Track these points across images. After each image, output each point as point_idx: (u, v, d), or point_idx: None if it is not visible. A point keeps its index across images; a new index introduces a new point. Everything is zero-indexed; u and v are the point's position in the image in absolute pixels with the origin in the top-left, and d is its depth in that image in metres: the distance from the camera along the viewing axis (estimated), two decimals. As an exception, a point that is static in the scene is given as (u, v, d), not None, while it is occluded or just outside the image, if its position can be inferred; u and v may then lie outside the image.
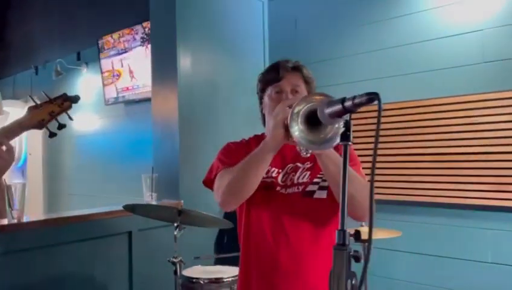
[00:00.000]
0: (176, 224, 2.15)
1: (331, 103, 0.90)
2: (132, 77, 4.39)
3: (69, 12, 4.15)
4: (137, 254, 2.64)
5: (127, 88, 4.46)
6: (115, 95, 4.61)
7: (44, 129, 1.47)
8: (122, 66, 4.38)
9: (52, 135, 1.46)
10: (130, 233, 2.63)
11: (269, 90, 1.55)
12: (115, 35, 4.33)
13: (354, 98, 0.80)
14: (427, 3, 2.83)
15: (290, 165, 1.52)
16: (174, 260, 2.17)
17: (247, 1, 3.52)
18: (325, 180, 1.48)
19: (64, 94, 1.51)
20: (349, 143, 0.84)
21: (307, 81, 1.57)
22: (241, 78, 3.35)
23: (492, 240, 2.54)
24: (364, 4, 3.11)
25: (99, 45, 4.61)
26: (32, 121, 1.45)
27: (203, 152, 3.00)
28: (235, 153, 1.55)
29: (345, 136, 0.84)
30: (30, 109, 1.46)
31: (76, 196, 5.18)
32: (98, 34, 4.61)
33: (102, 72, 4.65)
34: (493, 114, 2.52)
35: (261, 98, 1.63)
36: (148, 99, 4.06)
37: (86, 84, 5.03)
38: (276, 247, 1.46)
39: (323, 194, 1.48)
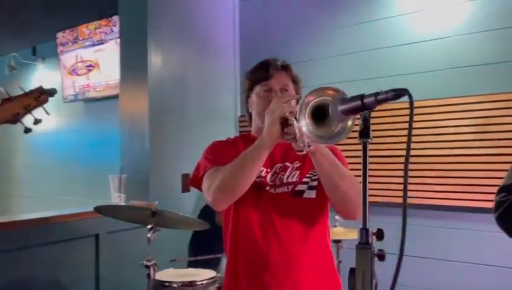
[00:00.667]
0: (149, 226, 2.07)
1: (345, 99, 0.88)
2: (92, 72, 4.21)
3: (24, 4, 3.93)
4: (104, 257, 2.53)
5: (88, 85, 4.28)
6: (74, 92, 4.42)
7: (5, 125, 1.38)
8: (96, 58, 4.19)
9: (27, 130, 1.37)
10: (97, 236, 2.51)
11: (257, 89, 1.54)
12: (91, 26, 4.13)
13: (377, 94, 0.79)
14: (396, 10, 2.90)
15: (279, 165, 1.51)
16: (148, 263, 2.09)
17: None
18: (314, 180, 1.47)
19: (40, 87, 1.42)
20: (369, 140, 0.83)
21: (295, 81, 1.58)
22: (212, 77, 3.31)
23: (464, 239, 2.61)
24: (335, 8, 3.14)
25: (66, 38, 4.40)
26: (6, 114, 1.35)
27: (173, 152, 2.92)
28: (222, 151, 1.52)
29: (364, 133, 0.83)
30: (3, 101, 1.36)
31: (29, 197, 4.91)
32: (56, 28, 4.40)
33: (63, 68, 4.44)
34: (456, 118, 2.61)
35: (247, 97, 1.60)
36: (111, 97, 3.93)
37: (41, 80, 4.78)
38: (266, 247, 1.43)
39: (312, 194, 1.48)
